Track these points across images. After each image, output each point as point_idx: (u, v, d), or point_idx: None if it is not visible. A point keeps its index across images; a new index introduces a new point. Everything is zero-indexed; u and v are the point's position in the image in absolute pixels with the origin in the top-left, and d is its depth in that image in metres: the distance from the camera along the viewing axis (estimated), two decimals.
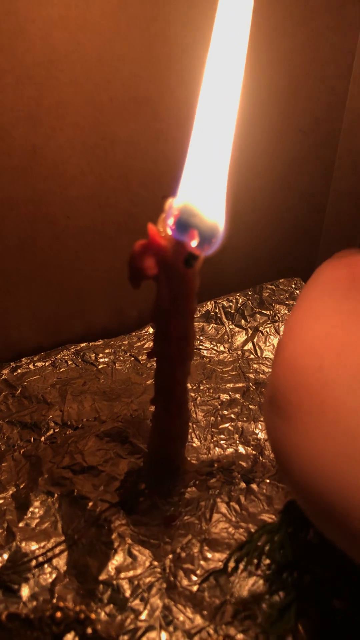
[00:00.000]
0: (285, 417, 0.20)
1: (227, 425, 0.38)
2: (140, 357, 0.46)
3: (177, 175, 0.25)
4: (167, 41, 0.39)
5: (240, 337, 0.48)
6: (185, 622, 0.26)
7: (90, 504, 0.32)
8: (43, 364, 0.45)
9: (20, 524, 0.31)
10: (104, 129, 0.41)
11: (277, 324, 0.49)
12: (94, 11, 0.36)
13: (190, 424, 0.36)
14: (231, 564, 0.28)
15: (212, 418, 0.39)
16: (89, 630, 0.26)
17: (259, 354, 0.46)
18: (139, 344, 0.47)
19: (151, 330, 0.49)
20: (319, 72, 0.47)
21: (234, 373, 0.44)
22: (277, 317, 0.49)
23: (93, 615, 0.27)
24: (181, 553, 0.30)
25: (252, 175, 0.49)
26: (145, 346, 0.47)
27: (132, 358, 0.46)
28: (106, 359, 0.46)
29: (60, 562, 0.29)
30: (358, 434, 0.18)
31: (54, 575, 0.29)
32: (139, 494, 0.33)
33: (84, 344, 0.48)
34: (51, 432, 0.38)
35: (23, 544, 0.30)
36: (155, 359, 0.30)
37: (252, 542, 0.28)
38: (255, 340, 0.48)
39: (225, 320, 0.50)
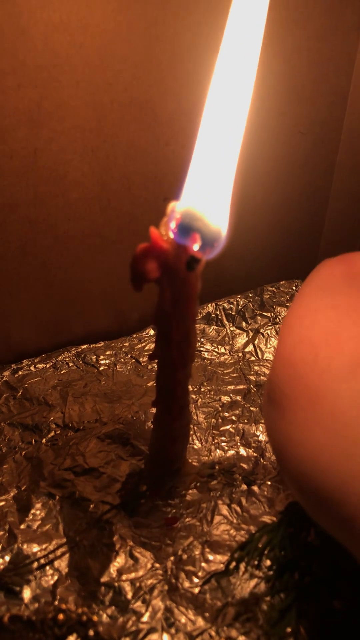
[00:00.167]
0: (282, 409, 0.20)
1: (228, 427, 0.38)
2: (141, 359, 0.46)
3: (179, 178, 0.25)
4: (168, 44, 0.39)
5: (241, 339, 0.48)
6: (187, 624, 0.27)
7: (92, 505, 0.32)
8: (44, 365, 0.45)
9: (22, 526, 0.31)
10: (105, 132, 0.41)
11: (277, 325, 0.49)
12: (95, 14, 0.36)
13: (191, 426, 0.36)
14: (232, 564, 0.28)
15: (213, 420, 0.39)
16: (91, 632, 0.26)
17: (259, 356, 0.46)
18: (139, 345, 0.48)
19: (152, 332, 0.49)
20: (319, 74, 0.47)
21: (235, 375, 0.44)
22: (277, 319, 0.50)
23: (95, 617, 0.27)
24: (182, 555, 0.30)
25: (252, 177, 0.50)
26: (146, 348, 0.47)
27: (133, 360, 0.46)
28: (107, 361, 0.46)
29: (62, 564, 0.29)
30: (354, 424, 0.18)
31: (55, 577, 0.29)
32: (140, 496, 0.33)
33: (85, 346, 0.48)
34: (52, 434, 0.38)
35: (25, 546, 0.30)
36: (156, 361, 0.30)
37: (253, 543, 0.28)
38: (256, 342, 0.48)
39: (226, 322, 0.50)
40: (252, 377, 0.43)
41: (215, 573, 0.29)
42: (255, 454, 0.36)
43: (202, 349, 0.47)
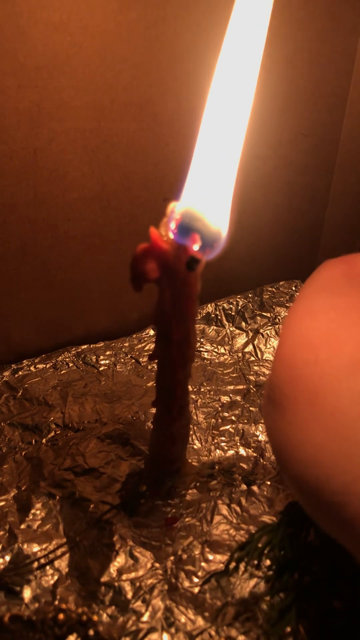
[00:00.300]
0: (282, 410, 0.20)
1: (227, 427, 0.38)
2: (141, 359, 0.46)
3: (179, 178, 0.25)
4: (168, 44, 0.40)
5: (241, 339, 0.48)
6: (186, 624, 0.27)
7: (92, 505, 0.32)
8: (44, 365, 0.45)
9: (22, 526, 0.31)
10: (105, 132, 0.41)
11: (277, 326, 0.49)
12: (95, 15, 0.36)
13: (191, 426, 0.36)
14: (232, 564, 0.28)
15: (213, 420, 0.39)
16: (91, 632, 0.26)
17: (259, 356, 0.46)
18: (139, 346, 0.48)
19: (152, 332, 0.49)
20: (319, 75, 0.47)
21: (234, 375, 0.44)
22: (277, 319, 0.50)
23: (95, 617, 0.27)
24: (182, 555, 0.30)
25: (252, 178, 0.50)
26: (146, 348, 0.47)
27: (133, 360, 0.46)
28: (107, 361, 0.46)
29: (62, 564, 0.29)
30: (354, 424, 0.18)
31: (55, 577, 0.29)
32: (140, 496, 0.33)
33: (85, 346, 0.48)
34: (52, 434, 0.38)
35: (25, 546, 0.30)
36: (156, 361, 0.30)
37: (253, 543, 0.28)
38: (255, 342, 0.48)
39: (225, 322, 0.50)
40: (251, 377, 0.43)
41: (215, 573, 0.29)
42: (254, 454, 0.36)
43: (201, 349, 0.47)
